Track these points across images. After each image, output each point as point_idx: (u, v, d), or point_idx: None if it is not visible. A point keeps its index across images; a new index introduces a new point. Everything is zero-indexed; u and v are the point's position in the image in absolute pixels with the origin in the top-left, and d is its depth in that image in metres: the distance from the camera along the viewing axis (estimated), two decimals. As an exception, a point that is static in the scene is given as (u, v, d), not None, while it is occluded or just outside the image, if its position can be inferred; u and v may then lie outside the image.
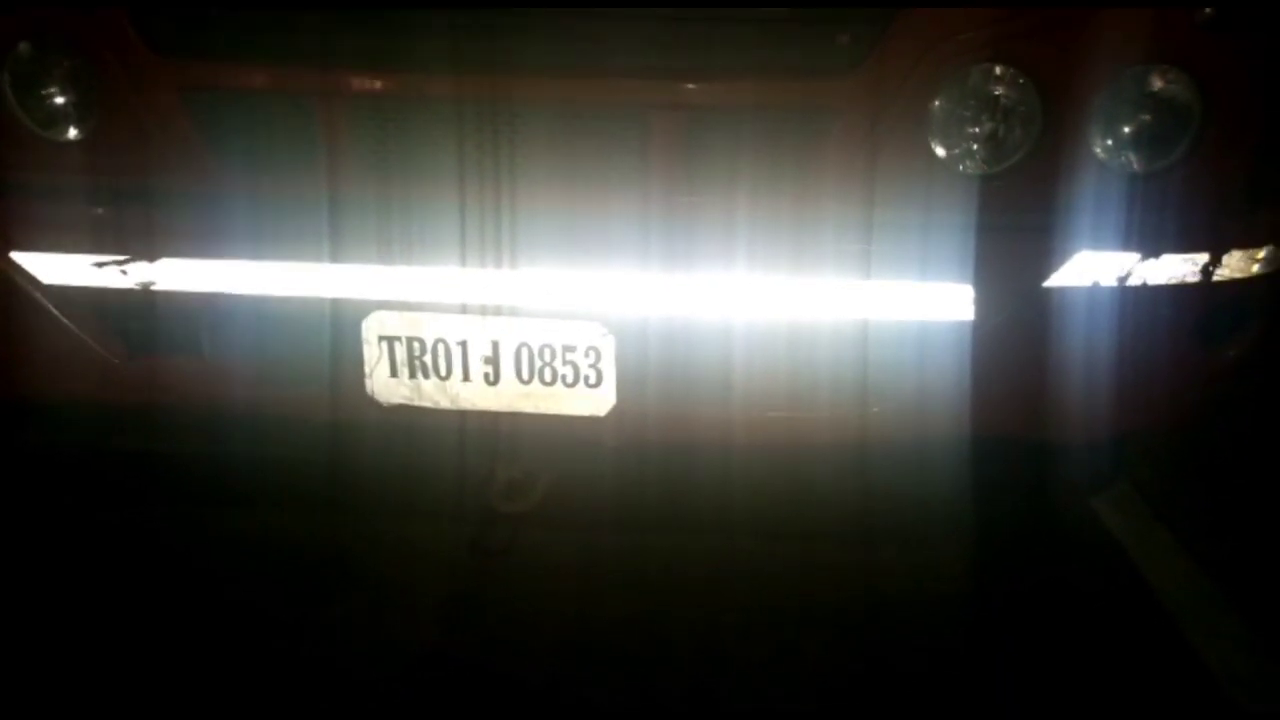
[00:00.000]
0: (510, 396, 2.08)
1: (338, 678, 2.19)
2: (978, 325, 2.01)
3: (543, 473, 2.30)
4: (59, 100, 2.07)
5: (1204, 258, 2.02)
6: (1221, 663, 2.31)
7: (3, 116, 2.07)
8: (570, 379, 2.05)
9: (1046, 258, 2.00)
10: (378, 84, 2.01)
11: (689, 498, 2.28)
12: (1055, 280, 2.00)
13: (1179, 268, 2.02)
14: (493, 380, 2.07)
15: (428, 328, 2.05)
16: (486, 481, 2.27)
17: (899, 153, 1.98)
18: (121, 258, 2.10)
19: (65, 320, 2.15)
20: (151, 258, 2.10)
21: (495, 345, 2.05)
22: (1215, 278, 2.03)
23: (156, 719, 2.11)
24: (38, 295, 2.13)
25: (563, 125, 1.99)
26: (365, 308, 2.05)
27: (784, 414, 2.10)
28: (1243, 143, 2.00)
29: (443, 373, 2.07)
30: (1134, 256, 2.00)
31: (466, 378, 2.07)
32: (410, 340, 2.05)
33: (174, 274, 2.10)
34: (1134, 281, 2.01)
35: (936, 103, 1.96)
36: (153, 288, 2.11)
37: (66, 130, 2.08)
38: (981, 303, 2.00)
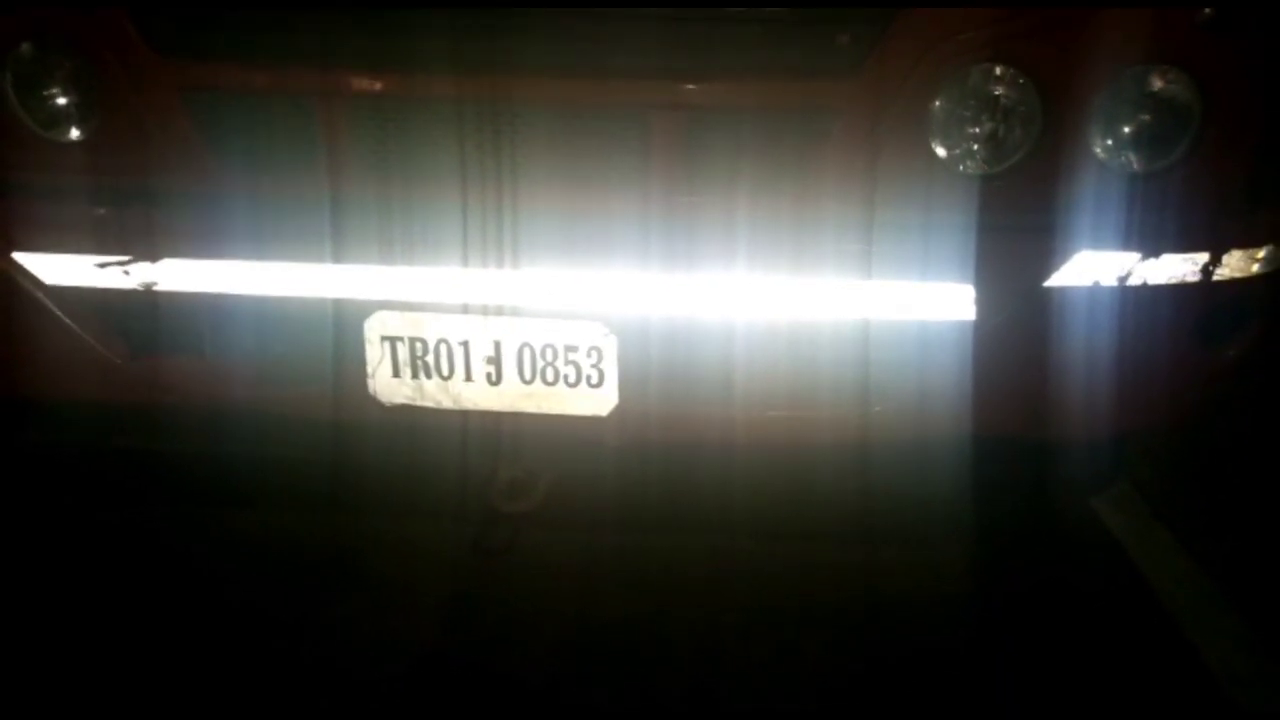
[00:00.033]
0: (512, 396, 2.08)
1: (339, 677, 2.19)
2: (978, 325, 2.02)
3: (545, 472, 2.30)
4: (60, 101, 2.08)
5: (1204, 257, 2.02)
6: (1221, 662, 2.31)
7: (4, 117, 2.07)
8: (572, 379, 2.05)
9: (1047, 257, 2.00)
10: (378, 84, 2.01)
11: (691, 497, 2.28)
12: (1055, 280, 2.01)
13: (1179, 267, 2.02)
14: (495, 380, 2.07)
15: (430, 328, 2.05)
16: (488, 481, 2.27)
17: (899, 153, 1.98)
18: (123, 258, 2.10)
19: (67, 320, 2.15)
20: (153, 258, 2.10)
21: (497, 345, 2.05)
22: (1215, 277, 2.03)
23: (158, 718, 2.11)
24: (40, 296, 2.14)
25: (564, 125, 1.99)
26: (367, 308, 2.06)
27: (785, 414, 2.11)
28: (1242, 143, 2.01)
29: (445, 373, 2.07)
30: (1134, 256, 2.00)
31: (469, 378, 2.07)
32: (413, 340, 2.06)
33: (176, 274, 2.11)
34: (1134, 281, 2.01)
35: (937, 103, 1.96)
36: (154, 288, 2.12)
37: (68, 131, 2.09)
38: (982, 303, 2.00)
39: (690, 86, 1.96)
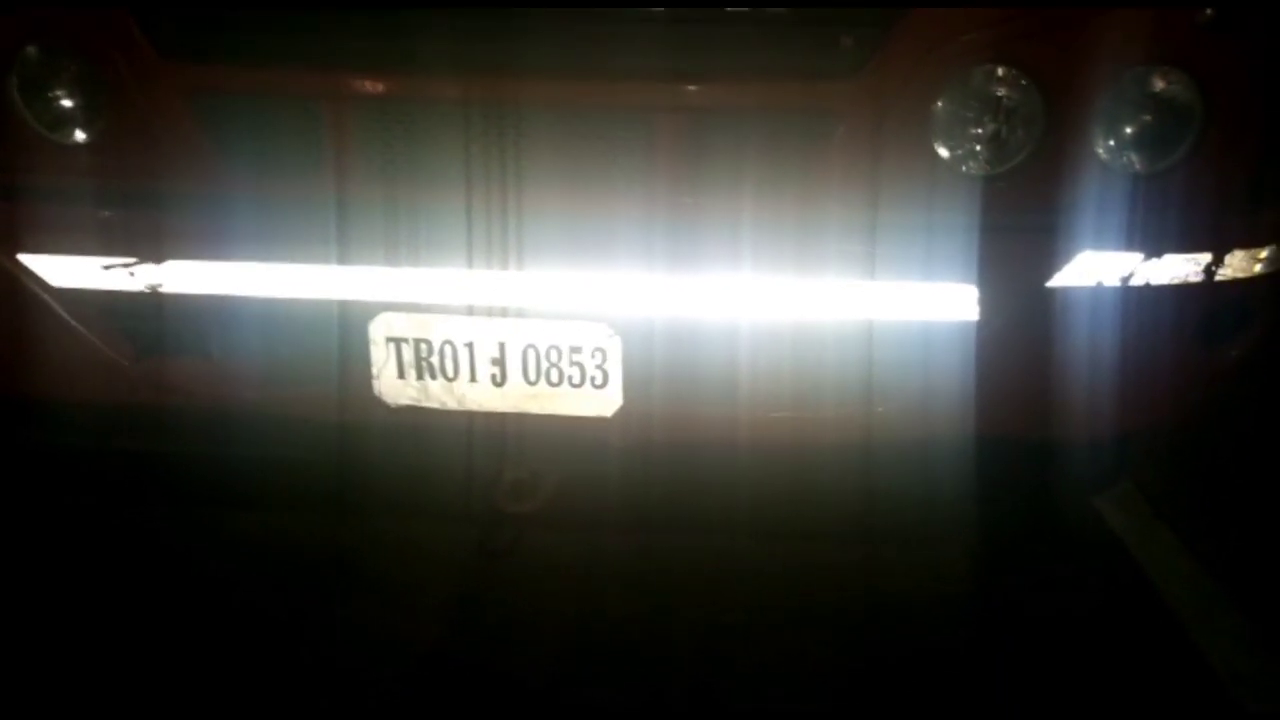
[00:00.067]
0: (517, 397, 2.08)
1: (344, 677, 2.20)
2: (981, 325, 2.02)
3: (549, 473, 2.30)
4: (66, 103, 2.08)
5: (1206, 258, 2.03)
6: (1224, 661, 2.32)
7: (11, 120, 2.07)
8: (577, 380, 2.06)
9: (1049, 258, 2.00)
10: (383, 87, 2.01)
11: (695, 498, 2.28)
12: (1058, 280, 2.01)
13: (1181, 268, 2.03)
14: (499, 381, 2.08)
15: (435, 329, 2.05)
16: (493, 482, 2.27)
17: (902, 154, 1.98)
18: (129, 260, 2.10)
19: (73, 322, 2.16)
20: (159, 260, 2.10)
21: (502, 346, 2.06)
22: (1218, 277, 2.04)
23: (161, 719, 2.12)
24: (46, 297, 2.14)
25: (568, 127, 1.99)
26: (372, 309, 2.06)
27: (789, 414, 2.11)
28: (1244, 143, 2.01)
29: (450, 374, 2.08)
30: (1136, 257, 2.00)
31: (473, 379, 2.08)
32: (418, 342, 2.06)
33: (181, 276, 2.11)
34: (1137, 281, 2.01)
35: (939, 104, 1.97)
36: (160, 289, 2.12)
37: (74, 133, 2.09)
38: (985, 303, 2.01)
39: (694, 89, 1.97)
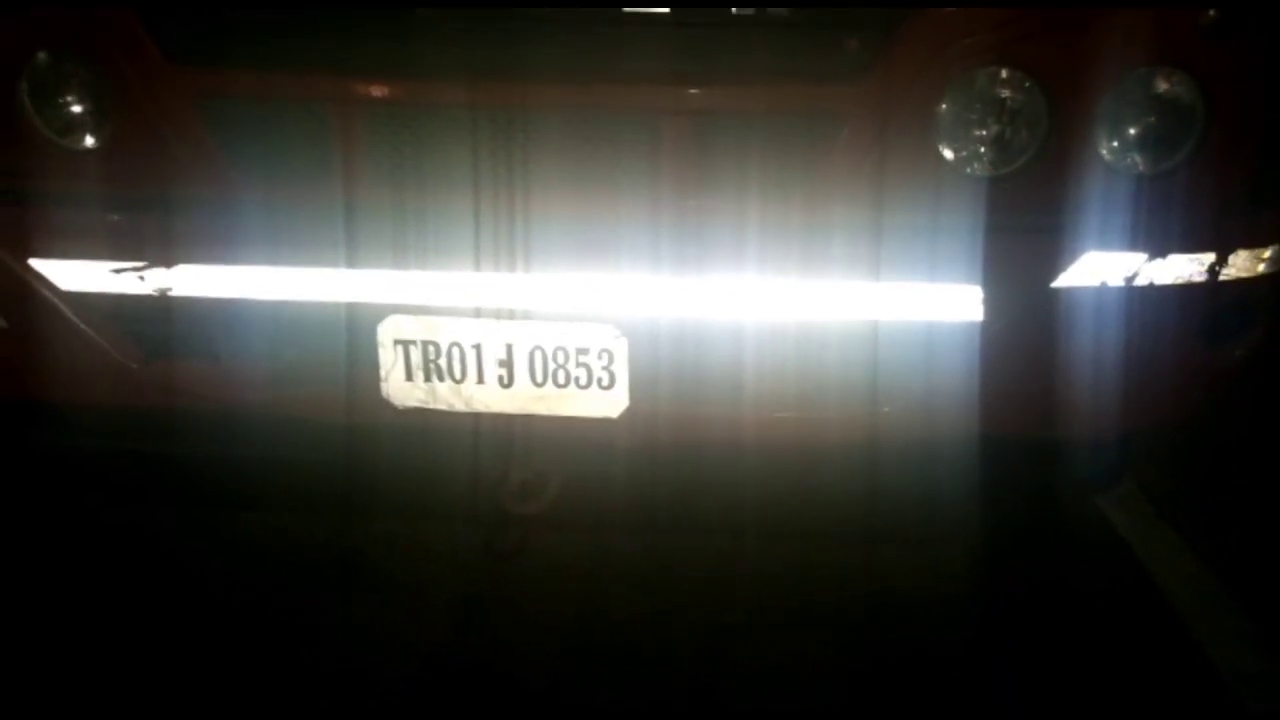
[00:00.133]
0: (524, 399, 2.09)
1: (350, 678, 2.21)
2: (986, 326, 2.03)
3: (556, 474, 2.31)
4: (76, 109, 2.09)
5: (1210, 258, 2.04)
6: (1227, 661, 2.32)
7: (21, 125, 2.08)
8: (583, 381, 2.06)
9: (1054, 259, 2.01)
10: (391, 91, 2.02)
11: (701, 498, 2.29)
12: (1062, 281, 2.02)
13: (1185, 268, 2.03)
14: (507, 383, 2.08)
15: (443, 331, 2.06)
16: (500, 483, 2.28)
17: (907, 156, 1.99)
18: (138, 264, 2.11)
19: (83, 325, 2.16)
20: (168, 263, 2.11)
21: (509, 348, 2.06)
22: (1221, 278, 2.05)
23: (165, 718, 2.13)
24: (56, 301, 2.15)
25: (575, 130, 2.00)
26: (381, 312, 2.07)
27: (795, 415, 2.12)
28: (1247, 143, 2.02)
29: (457, 376, 2.09)
30: (1140, 257, 2.01)
31: (481, 380, 2.08)
32: (425, 344, 2.07)
33: (190, 279, 2.12)
34: (1140, 282, 2.02)
35: (944, 106, 1.98)
36: (169, 293, 2.13)
37: (83, 138, 2.10)
38: (989, 304, 2.01)
39: (700, 92, 1.98)
